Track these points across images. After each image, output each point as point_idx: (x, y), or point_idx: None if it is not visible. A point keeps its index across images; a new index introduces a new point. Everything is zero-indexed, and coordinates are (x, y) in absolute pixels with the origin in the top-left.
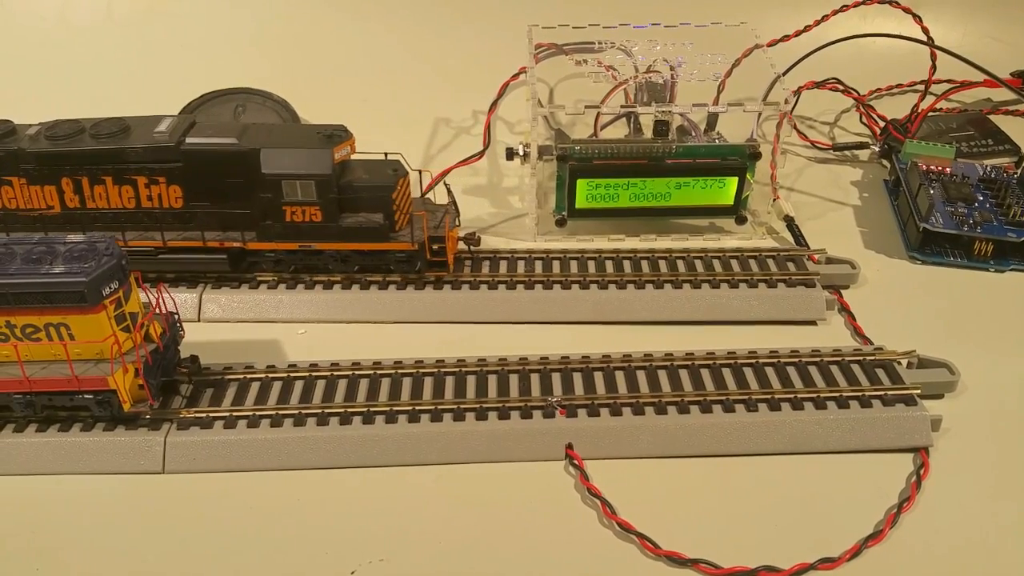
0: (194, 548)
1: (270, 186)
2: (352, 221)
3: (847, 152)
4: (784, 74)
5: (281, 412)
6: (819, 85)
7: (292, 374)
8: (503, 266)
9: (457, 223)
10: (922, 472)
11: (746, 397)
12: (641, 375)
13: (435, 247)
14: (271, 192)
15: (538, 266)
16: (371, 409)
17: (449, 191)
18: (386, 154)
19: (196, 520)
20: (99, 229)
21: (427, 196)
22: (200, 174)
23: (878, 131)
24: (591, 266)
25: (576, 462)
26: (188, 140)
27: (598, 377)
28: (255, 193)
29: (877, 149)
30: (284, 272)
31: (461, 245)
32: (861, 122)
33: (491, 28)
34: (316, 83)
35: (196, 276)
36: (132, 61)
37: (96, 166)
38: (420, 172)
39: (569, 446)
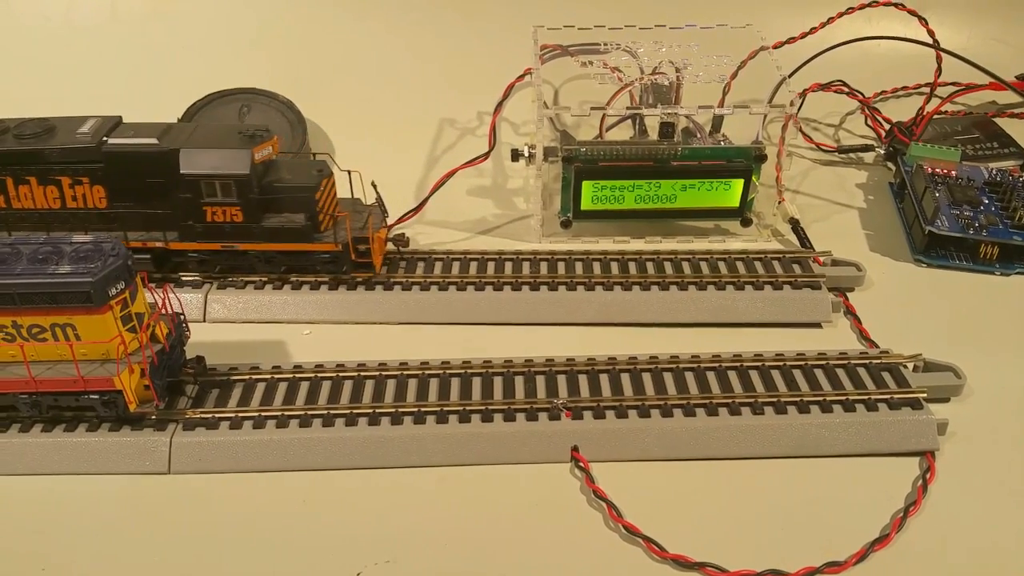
0: (199, 549)
1: (189, 186)
2: (274, 222)
3: (852, 154)
4: (790, 76)
5: (287, 413)
6: (824, 87)
7: (297, 375)
8: (508, 267)
9: (384, 223)
10: (928, 476)
11: (752, 400)
12: (647, 377)
13: (360, 248)
14: (191, 192)
15: (543, 268)
16: (376, 410)
17: (376, 191)
18: (314, 154)
19: (201, 521)
20: (25, 229)
21: (355, 197)
22: (122, 175)
23: (883, 134)
24: (596, 268)
25: (582, 464)
26: (110, 141)
27: (604, 379)
28: (175, 193)
29: (882, 152)
30: (210, 272)
31: (390, 246)
32: (866, 124)
33: (496, 29)
34: (321, 84)
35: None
36: (136, 61)
37: (20, 166)
38: (349, 173)
39: (575, 448)
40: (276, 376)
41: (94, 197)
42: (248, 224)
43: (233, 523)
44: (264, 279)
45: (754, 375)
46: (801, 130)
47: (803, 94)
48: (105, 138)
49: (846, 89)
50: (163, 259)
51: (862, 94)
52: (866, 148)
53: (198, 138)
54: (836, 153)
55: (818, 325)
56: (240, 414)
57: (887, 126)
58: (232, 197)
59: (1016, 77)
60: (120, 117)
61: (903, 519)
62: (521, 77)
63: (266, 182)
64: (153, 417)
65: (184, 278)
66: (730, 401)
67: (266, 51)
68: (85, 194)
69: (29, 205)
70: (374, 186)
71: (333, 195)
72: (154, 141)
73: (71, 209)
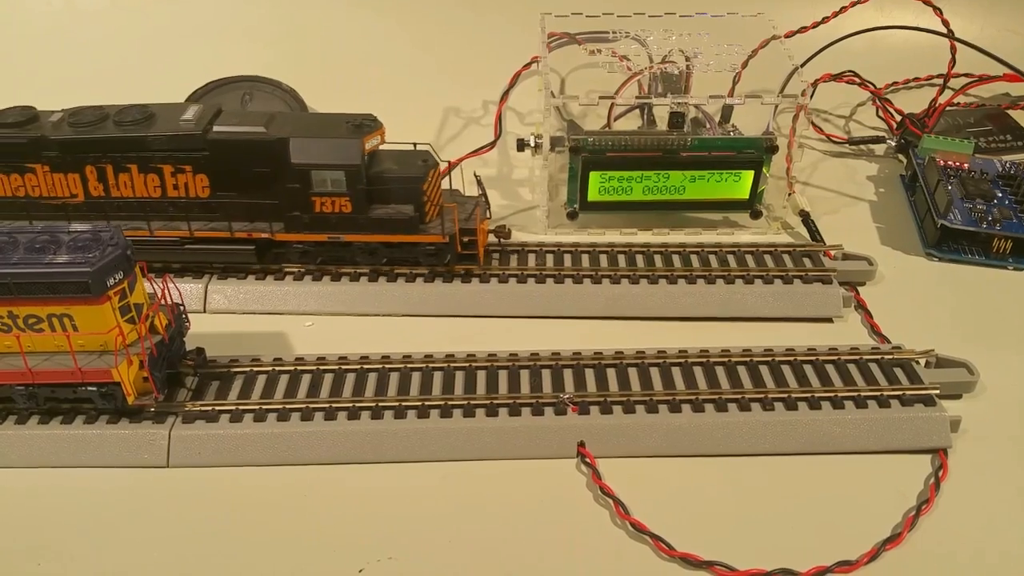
0: (198, 544)
1: (299, 176)
2: (381, 213)
3: (863, 146)
4: (802, 66)
5: (288, 406)
6: (836, 78)
7: (299, 367)
8: (513, 260)
9: (488, 215)
10: (941, 474)
11: (762, 396)
12: (655, 372)
13: (466, 240)
14: (300, 182)
15: (549, 260)
16: (379, 404)
17: (480, 183)
18: (415, 144)
19: (200, 516)
20: (124, 218)
21: (453, 188)
22: (227, 163)
23: (894, 125)
24: (603, 260)
25: (588, 460)
26: (215, 128)
27: (611, 374)
28: (283, 183)
29: (893, 143)
30: (310, 264)
31: (491, 238)
32: (877, 116)
33: (503, 17)
34: (324, 72)
35: (226, 267)
36: (138, 47)
37: (120, 154)
38: (449, 163)
39: (581, 444)
40: (278, 368)
41: (196, 186)
42: (355, 215)
43: (233, 518)
44: (365, 270)
45: (764, 370)
46: (811, 121)
47: (814, 84)
48: (210, 125)
49: (857, 80)
50: (265, 250)
51: (873, 85)
52: (877, 140)
53: (305, 127)
54: (846, 145)
55: (829, 320)
56: (241, 407)
57: (898, 117)
58: (342, 188)
59: None
60: (221, 105)
61: (915, 518)
62: (528, 65)
63: (374, 172)
64: (152, 409)
65: (286, 269)
66: (740, 397)
67: (269, 38)
68: (187, 183)
69: (128, 194)
70: (477, 178)
71: (438, 186)
72: (262, 129)
73: (171, 198)
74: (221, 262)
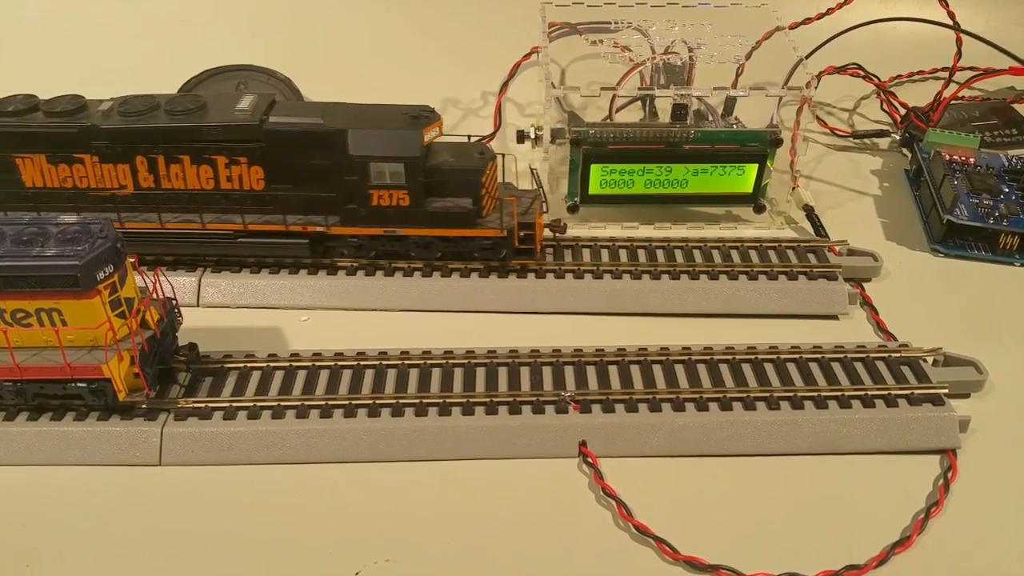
0: (191, 545)
1: (357, 168)
2: (439, 206)
3: (866, 140)
4: (807, 58)
5: (283, 403)
6: (840, 70)
7: (295, 363)
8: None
9: (545, 209)
10: (950, 475)
11: (768, 394)
12: (657, 370)
13: (523, 234)
14: (358, 174)
15: (549, 254)
16: (376, 401)
17: (535, 175)
18: (469, 136)
19: (193, 515)
20: (174, 211)
21: (506, 182)
22: (283, 155)
23: (899, 119)
24: (604, 255)
25: (590, 460)
26: (271, 119)
27: (612, 371)
28: (341, 175)
29: (897, 137)
30: (364, 258)
31: (547, 232)
32: (881, 109)
33: (502, 5)
34: (320, 61)
35: (278, 261)
36: (132, 35)
37: (173, 144)
38: (503, 156)
39: (583, 443)
40: (272, 364)
41: (251, 178)
42: (413, 208)
43: (226, 518)
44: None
45: (769, 368)
46: (815, 114)
47: (818, 77)
48: (266, 116)
49: (861, 73)
50: (317, 243)
51: (877, 78)
52: (881, 134)
53: (363, 118)
54: (850, 138)
55: (834, 317)
56: (234, 404)
57: (903, 111)
58: (400, 180)
59: None
60: (275, 95)
61: (925, 520)
62: (528, 56)
63: (431, 164)
64: (143, 406)
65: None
66: (745, 395)
67: (264, 27)
68: (241, 175)
69: (180, 186)
70: (533, 171)
71: (495, 178)
72: (319, 120)
73: (224, 191)
74: (273, 256)
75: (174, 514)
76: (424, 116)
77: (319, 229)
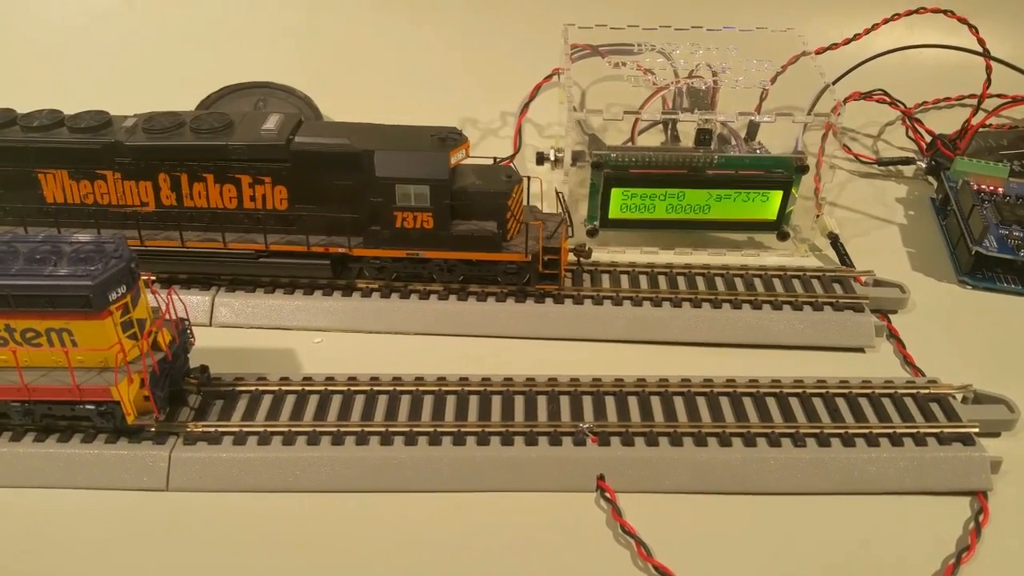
0: (197, 572)
1: (383, 190)
2: (464, 229)
3: (892, 167)
4: (834, 83)
5: (293, 429)
6: (865, 96)
7: (307, 387)
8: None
9: (570, 234)
10: (981, 519)
11: (793, 430)
12: (678, 401)
13: (548, 259)
14: (383, 196)
15: (568, 279)
16: (389, 429)
17: (561, 199)
18: (495, 158)
19: (200, 542)
20: (196, 229)
21: (532, 205)
22: (309, 175)
23: (924, 146)
24: (624, 280)
25: (608, 495)
26: (298, 139)
27: (632, 402)
28: (366, 196)
29: (924, 165)
30: (385, 280)
31: (571, 257)
32: (907, 136)
33: (524, 27)
34: (340, 79)
35: (293, 281)
36: (150, 52)
37: (197, 162)
38: (528, 179)
39: (600, 477)
40: (284, 388)
41: (275, 198)
42: (437, 231)
43: (234, 546)
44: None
45: (794, 403)
46: (841, 141)
47: (844, 102)
48: (292, 136)
49: (887, 99)
50: (340, 265)
51: (903, 104)
52: (907, 161)
53: (389, 140)
54: (875, 165)
55: (860, 350)
56: (244, 429)
57: (929, 138)
58: (425, 203)
59: None
60: (301, 115)
61: (956, 566)
62: (549, 77)
63: (458, 187)
64: (152, 430)
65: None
66: (770, 431)
67: (284, 44)
68: (265, 195)
69: (203, 204)
70: (559, 194)
71: (521, 202)
72: (346, 141)
73: (247, 210)
74: (294, 277)
75: (180, 541)
76: (452, 138)
77: (341, 250)
